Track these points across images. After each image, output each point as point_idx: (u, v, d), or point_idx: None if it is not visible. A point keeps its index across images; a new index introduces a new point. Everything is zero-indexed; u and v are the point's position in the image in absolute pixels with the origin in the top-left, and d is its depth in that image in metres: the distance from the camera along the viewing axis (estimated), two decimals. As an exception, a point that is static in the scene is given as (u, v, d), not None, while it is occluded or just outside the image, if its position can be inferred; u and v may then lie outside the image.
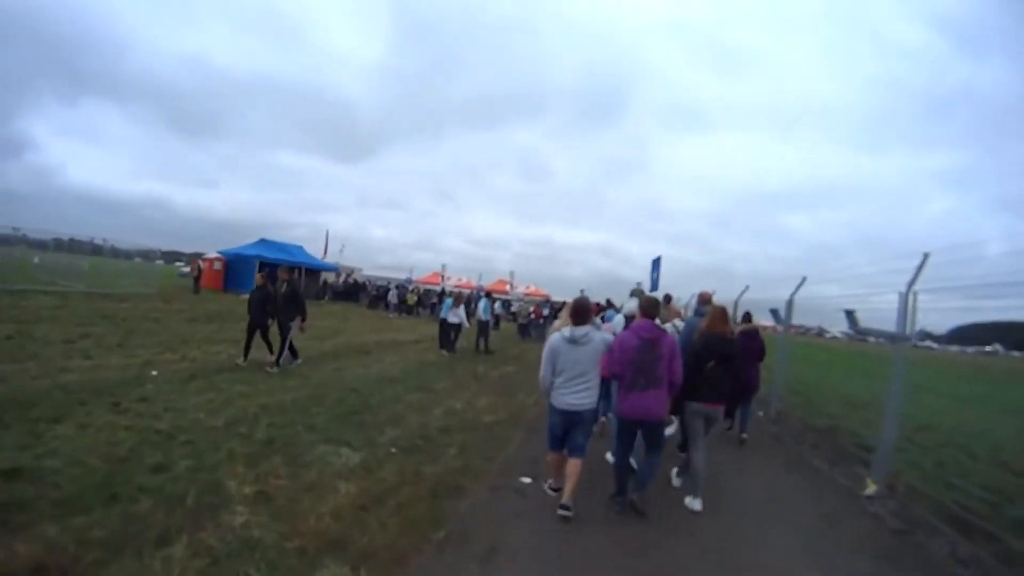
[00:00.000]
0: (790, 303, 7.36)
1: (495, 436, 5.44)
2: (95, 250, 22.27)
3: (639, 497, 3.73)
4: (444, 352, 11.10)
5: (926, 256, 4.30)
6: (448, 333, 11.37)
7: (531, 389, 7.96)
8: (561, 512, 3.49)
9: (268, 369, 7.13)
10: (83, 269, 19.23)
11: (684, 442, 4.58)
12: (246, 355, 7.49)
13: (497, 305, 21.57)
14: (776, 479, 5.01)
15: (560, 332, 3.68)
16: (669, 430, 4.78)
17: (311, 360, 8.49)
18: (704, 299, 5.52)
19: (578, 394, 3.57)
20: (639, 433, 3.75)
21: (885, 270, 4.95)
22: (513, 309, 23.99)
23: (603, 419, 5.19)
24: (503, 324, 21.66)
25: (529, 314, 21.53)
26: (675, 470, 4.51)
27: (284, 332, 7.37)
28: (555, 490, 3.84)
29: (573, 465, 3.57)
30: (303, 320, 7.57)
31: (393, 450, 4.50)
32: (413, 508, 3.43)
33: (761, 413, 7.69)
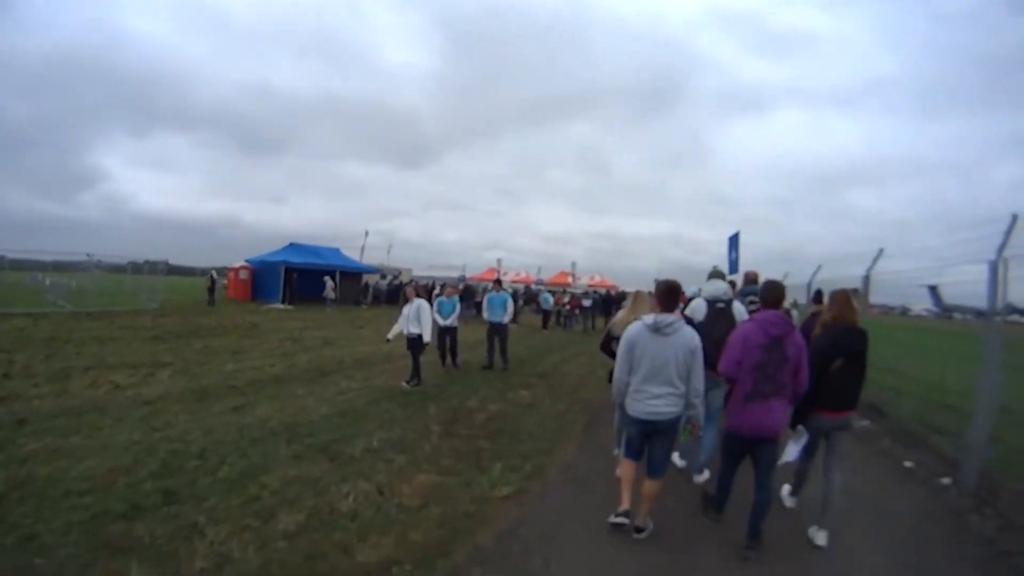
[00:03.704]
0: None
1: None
2: (151, 268, 20.69)
3: (754, 545, 2.81)
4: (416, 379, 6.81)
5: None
6: (415, 350, 6.78)
7: (529, 449, 4.52)
8: (636, 535, 2.89)
9: None
10: (72, 288, 17.23)
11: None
12: None
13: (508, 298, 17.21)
14: None
15: (642, 320, 2.94)
16: (792, 453, 3.31)
17: (231, 389, 6.04)
18: (750, 278, 5.11)
19: (659, 399, 2.85)
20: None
21: (957, 240, 4.42)
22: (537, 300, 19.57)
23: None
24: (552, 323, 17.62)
25: (565, 305, 17.91)
26: (786, 487, 3.56)
27: None
28: (618, 523, 2.92)
29: (650, 487, 2.97)
30: None
31: None
32: None
33: (948, 480, 4.09)
